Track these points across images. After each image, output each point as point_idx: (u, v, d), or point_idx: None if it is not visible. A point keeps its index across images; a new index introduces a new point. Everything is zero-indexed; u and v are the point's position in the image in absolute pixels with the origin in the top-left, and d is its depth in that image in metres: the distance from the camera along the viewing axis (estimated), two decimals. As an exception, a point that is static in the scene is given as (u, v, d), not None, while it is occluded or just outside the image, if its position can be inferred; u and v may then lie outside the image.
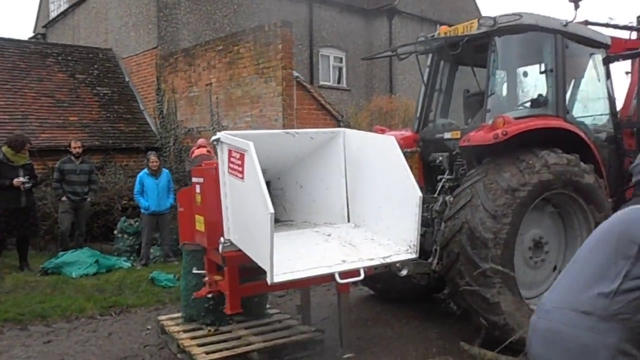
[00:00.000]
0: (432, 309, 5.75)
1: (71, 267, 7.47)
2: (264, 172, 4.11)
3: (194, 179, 4.38)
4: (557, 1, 5.21)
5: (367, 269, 3.27)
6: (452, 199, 4.78)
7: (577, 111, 5.77)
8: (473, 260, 4.20)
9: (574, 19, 5.07)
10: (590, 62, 5.65)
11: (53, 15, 18.62)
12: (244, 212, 3.18)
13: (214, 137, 3.42)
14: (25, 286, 6.88)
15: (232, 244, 3.44)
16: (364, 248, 3.27)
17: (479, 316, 4.27)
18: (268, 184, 4.31)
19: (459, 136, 5.09)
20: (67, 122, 11.64)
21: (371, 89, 17.86)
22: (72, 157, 8.46)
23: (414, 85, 5.58)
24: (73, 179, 8.35)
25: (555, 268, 4.90)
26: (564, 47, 5.02)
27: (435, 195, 5.38)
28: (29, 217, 7.64)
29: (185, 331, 4.68)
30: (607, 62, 5.66)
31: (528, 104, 5.29)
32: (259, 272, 3.21)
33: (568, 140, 4.81)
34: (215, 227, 3.78)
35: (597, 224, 4.64)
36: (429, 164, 5.66)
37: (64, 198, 8.28)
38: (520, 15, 4.84)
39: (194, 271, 4.62)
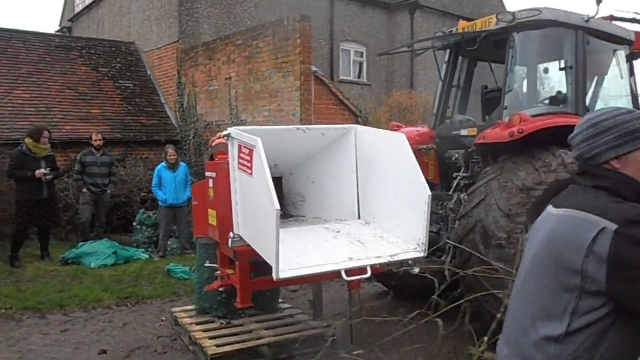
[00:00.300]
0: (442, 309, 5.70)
1: (90, 258, 7.61)
2: (275, 167, 4.13)
3: (207, 173, 4.42)
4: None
5: (375, 267, 3.25)
6: (466, 196, 4.73)
7: (598, 109, 5.64)
8: (486, 259, 4.15)
9: (596, 14, 4.95)
10: (614, 59, 5.52)
11: (78, 9, 18.89)
12: (252, 208, 3.20)
13: (224, 132, 3.44)
14: (46, 275, 7.04)
15: (241, 238, 3.46)
16: (372, 245, 3.26)
17: (492, 316, 4.22)
18: (280, 179, 4.33)
19: (475, 133, 5.03)
20: (89, 114, 11.83)
21: (392, 84, 17.73)
22: (93, 150, 8.60)
23: (435, 80, 5.53)
24: (94, 171, 8.49)
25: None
26: (584, 43, 4.91)
27: (450, 192, 5.34)
28: (50, 207, 7.79)
29: (197, 323, 4.74)
30: (630, 58, 5.52)
31: (547, 101, 5.19)
32: (270, 267, 3.22)
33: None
34: (227, 221, 3.80)
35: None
36: (444, 160, 5.61)
37: (84, 189, 8.43)
38: (539, 10, 4.75)
39: (206, 264, 4.67)
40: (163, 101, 13.28)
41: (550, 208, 1.62)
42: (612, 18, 5.84)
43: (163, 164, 8.35)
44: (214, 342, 4.32)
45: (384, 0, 18.07)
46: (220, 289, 4.43)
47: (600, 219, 1.38)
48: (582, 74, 4.90)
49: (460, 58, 5.85)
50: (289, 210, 4.23)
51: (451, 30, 5.52)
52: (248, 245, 3.42)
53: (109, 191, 8.70)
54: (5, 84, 11.42)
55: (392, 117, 12.01)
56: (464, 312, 4.04)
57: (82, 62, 13.11)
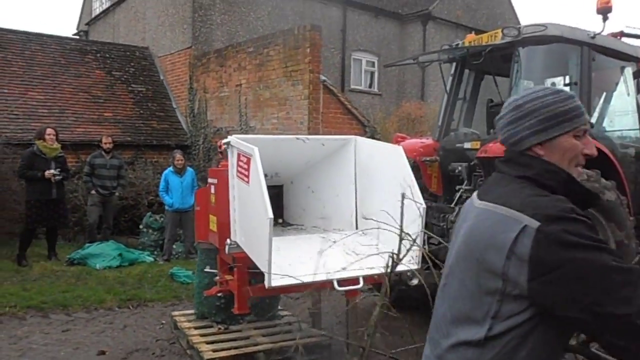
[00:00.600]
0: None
1: (96, 259, 7.70)
2: (276, 175, 4.18)
3: (210, 180, 4.48)
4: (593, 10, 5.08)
5: (373, 277, 3.27)
6: (467, 210, 4.73)
7: (606, 125, 5.63)
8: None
9: (602, 30, 4.95)
10: (621, 76, 5.50)
11: (95, 13, 19.21)
12: (248, 215, 3.24)
13: (225, 140, 3.49)
14: (51, 275, 7.14)
15: (238, 245, 3.50)
16: (367, 256, 3.27)
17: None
18: (281, 187, 4.38)
19: (478, 146, 5.03)
20: (101, 117, 11.99)
21: (403, 94, 17.76)
22: (103, 152, 8.71)
23: (444, 92, 5.56)
24: (103, 174, 8.60)
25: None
26: (590, 59, 4.90)
27: (452, 205, 5.34)
28: (59, 208, 7.89)
29: (196, 328, 4.78)
30: (638, 75, 5.50)
31: (551, 117, 5.18)
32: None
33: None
34: (226, 227, 3.85)
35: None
36: (448, 173, 5.61)
37: (93, 191, 8.54)
38: (545, 26, 4.76)
39: (206, 270, 4.71)
40: (174, 106, 13.43)
41: (474, 197, 1.50)
42: (622, 35, 5.83)
43: (170, 168, 8.44)
44: (211, 347, 4.35)
45: (397, 11, 18.14)
46: (219, 294, 4.47)
47: (522, 215, 1.27)
48: (587, 90, 4.89)
49: (466, 71, 5.87)
50: (289, 219, 4.27)
51: (457, 44, 5.55)
52: (244, 252, 3.46)
53: (117, 194, 8.81)
54: (21, 85, 11.64)
55: (401, 128, 12.03)
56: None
57: (96, 65, 13.31)
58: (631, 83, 5.44)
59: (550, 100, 1.41)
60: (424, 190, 4.82)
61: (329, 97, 9.82)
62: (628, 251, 4.66)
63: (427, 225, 4.76)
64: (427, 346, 1.51)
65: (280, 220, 4.28)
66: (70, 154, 9.77)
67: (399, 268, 3.26)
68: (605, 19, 4.86)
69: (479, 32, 5.75)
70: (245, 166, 3.11)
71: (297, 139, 3.70)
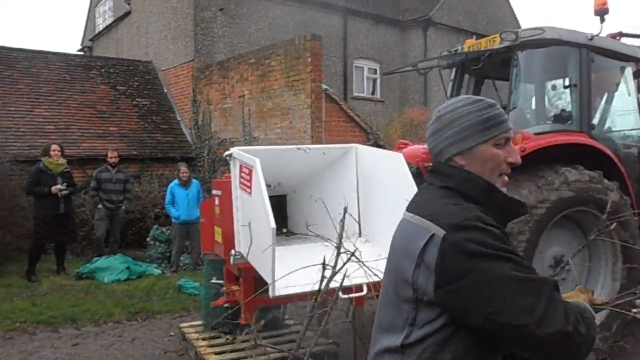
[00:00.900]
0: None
1: (104, 273, 7.75)
2: (279, 185, 4.21)
3: (214, 191, 4.52)
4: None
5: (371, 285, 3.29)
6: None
7: (607, 126, 5.63)
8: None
9: (600, 32, 4.97)
10: (621, 76, 5.51)
11: (99, 29, 19.42)
12: (251, 226, 3.27)
13: (226, 153, 3.53)
14: (60, 290, 7.20)
15: (242, 256, 3.53)
16: (370, 264, 3.30)
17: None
18: (285, 197, 4.41)
19: (480, 151, 5.06)
20: (107, 132, 12.11)
21: (405, 101, 17.80)
22: (109, 167, 8.79)
23: (446, 97, 5.59)
24: (109, 188, 8.67)
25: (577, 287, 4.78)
26: (589, 61, 4.93)
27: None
28: (67, 223, 7.98)
29: (204, 339, 4.80)
30: (638, 75, 5.51)
31: (551, 119, 5.21)
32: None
33: (594, 156, 4.71)
34: (231, 238, 3.88)
35: (621, 242, 4.57)
36: (450, 178, 5.63)
37: (100, 206, 8.61)
38: (542, 29, 4.79)
39: (212, 281, 4.74)
40: (179, 119, 13.53)
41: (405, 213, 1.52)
42: (621, 35, 5.85)
43: (176, 181, 8.50)
44: (219, 357, 4.38)
45: (397, 18, 18.22)
46: (226, 305, 4.49)
47: (432, 224, 1.28)
48: (586, 91, 4.91)
49: (466, 76, 5.90)
50: (293, 228, 4.30)
51: (457, 49, 5.59)
52: (249, 262, 3.49)
53: (123, 207, 8.88)
54: (27, 103, 11.78)
55: (405, 134, 12.05)
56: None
57: (101, 80, 13.46)
58: (632, 83, 5.46)
59: (468, 109, 1.41)
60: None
61: (331, 105, 9.88)
62: (632, 251, 4.66)
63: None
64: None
65: (284, 230, 4.32)
66: (77, 169, 9.87)
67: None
68: (602, 20, 4.88)
69: (479, 36, 5.77)
70: (248, 177, 3.15)
71: (298, 148, 3.74)
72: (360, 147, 3.88)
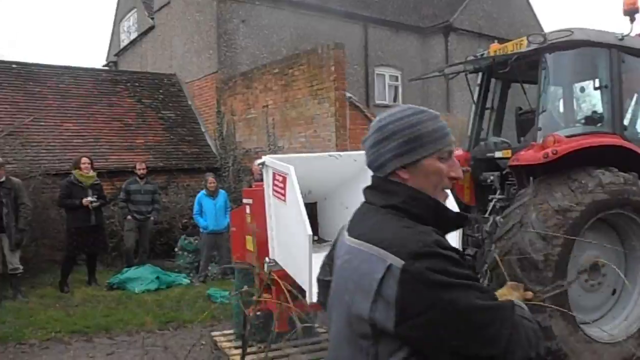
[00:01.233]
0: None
1: (134, 283, 7.86)
2: (309, 192, 4.23)
3: (245, 200, 4.57)
4: (618, 13, 5.06)
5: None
6: (502, 219, 4.70)
7: (639, 127, 5.53)
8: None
9: (630, 31, 4.90)
10: (652, 76, 5.41)
11: (124, 44, 19.82)
12: (286, 233, 3.29)
13: (259, 161, 3.57)
14: (92, 300, 7.32)
15: (276, 263, 3.55)
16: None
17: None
18: (315, 204, 4.43)
19: (509, 155, 5.01)
20: (133, 144, 12.32)
21: (428, 107, 17.61)
22: (137, 178, 8.94)
23: (470, 102, 5.53)
24: (138, 199, 8.81)
25: (614, 292, 4.69)
26: (619, 61, 4.86)
27: (487, 215, 5.30)
28: (99, 235, 8.13)
29: (236, 347, 4.83)
30: (669, 74, 5.40)
31: (582, 121, 5.14)
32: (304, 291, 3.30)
33: (627, 158, 4.63)
34: (264, 246, 3.91)
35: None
36: (480, 183, 5.58)
37: (129, 217, 8.75)
38: (571, 31, 4.74)
39: (245, 289, 4.77)
40: (203, 130, 13.70)
41: (344, 231, 1.41)
42: (649, 34, 5.75)
43: (203, 191, 8.60)
44: (252, 366, 4.39)
45: (418, 25, 18.20)
46: (258, 313, 4.51)
47: (387, 253, 1.18)
48: (618, 92, 4.84)
49: (493, 80, 5.87)
50: (323, 235, 4.31)
51: (482, 54, 5.56)
52: (283, 269, 3.51)
53: (152, 218, 9.00)
54: (57, 117, 12.07)
55: (429, 140, 11.98)
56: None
57: (127, 94, 13.72)
58: (663, 83, 5.36)
59: (413, 120, 1.33)
60: (456, 201, 4.82)
61: (355, 113, 9.90)
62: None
63: (462, 237, 4.74)
64: None
65: (315, 237, 4.33)
66: (106, 181, 10.03)
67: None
68: (632, 20, 4.81)
69: (501, 40, 5.74)
70: (282, 185, 3.18)
71: (330, 155, 3.76)
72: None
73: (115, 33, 21.26)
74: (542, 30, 15.09)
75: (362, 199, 1.43)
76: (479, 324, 1.15)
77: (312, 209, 4.37)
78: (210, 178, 8.67)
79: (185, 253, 9.18)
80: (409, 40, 17.92)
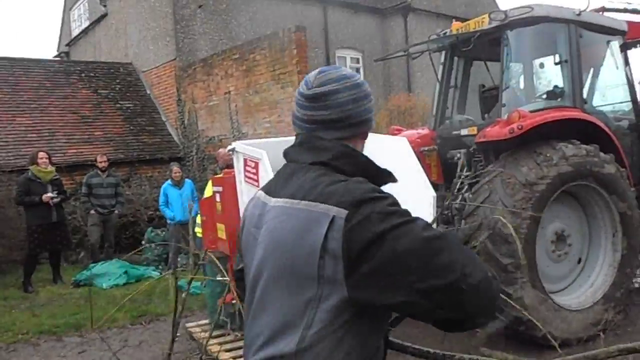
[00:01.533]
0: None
1: (102, 279, 7.67)
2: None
3: (214, 188, 4.48)
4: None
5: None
6: (470, 195, 4.78)
7: (597, 100, 5.70)
8: (494, 256, 4.19)
9: (587, 7, 5.02)
10: (608, 50, 5.57)
11: (75, 33, 19.09)
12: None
13: (229, 147, 3.50)
14: (59, 298, 7.11)
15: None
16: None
17: (500, 311, 4.26)
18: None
19: (475, 132, 5.08)
20: (92, 137, 11.95)
21: (390, 88, 17.81)
22: (99, 171, 8.68)
23: (432, 82, 5.56)
24: (100, 193, 8.57)
25: (579, 260, 4.85)
26: (578, 36, 4.97)
27: (455, 192, 5.38)
28: (61, 231, 7.87)
29: (212, 337, 4.78)
30: (624, 48, 5.58)
31: (544, 96, 5.25)
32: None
33: (587, 130, 4.77)
34: (236, 234, 3.86)
35: (620, 214, 4.64)
36: (447, 161, 5.65)
37: (92, 211, 8.51)
38: (531, 7, 4.81)
39: (218, 278, 4.71)
40: (164, 119, 13.40)
41: (264, 196, 1.36)
42: (603, 9, 5.91)
43: (169, 181, 8.43)
44: (230, 354, 4.37)
45: (376, 6, 18.19)
46: (234, 301, 4.47)
47: (328, 206, 1.15)
48: (577, 67, 4.96)
49: (456, 59, 5.92)
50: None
51: (445, 32, 5.59)
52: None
53: (116, 212, 8.77)
54: (8, 112, 11.57)
55: (392, 121, 12.07)
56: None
57: (82, 85, 13.26)
58: (619, 56, 5.52)
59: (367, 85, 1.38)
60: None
61: (319, 96, 9.84)
62: (631, 221, 4.74)
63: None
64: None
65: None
66: (65, 176, 9.70)
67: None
68: (589, -5, 4.92)
69: (459, 19, 5.78)
70: (254, 170, 3.13)
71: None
72: (361, 134, 3.87)
73: (65, 22, 20.44)
74: (498, 9, 15.30)
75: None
76: (430, 253, 1.10)
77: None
78: (175, 168, 8.50)
79: (153, 245, 9.00)
80: (368, 21, 17.89)
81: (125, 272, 7.86)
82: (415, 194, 3.23)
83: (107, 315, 5.17)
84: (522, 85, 5.51)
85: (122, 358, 4.96)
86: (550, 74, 5.42)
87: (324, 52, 16.65)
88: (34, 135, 11.35)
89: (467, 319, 1.14)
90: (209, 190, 5.25)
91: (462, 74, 6.01)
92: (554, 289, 4.62)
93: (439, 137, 5.73)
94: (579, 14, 4.96)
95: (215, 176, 4.79)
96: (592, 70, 5.72)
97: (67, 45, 19.78)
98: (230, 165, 6.34)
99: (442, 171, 5.74)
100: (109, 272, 7.83)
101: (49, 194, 7.56)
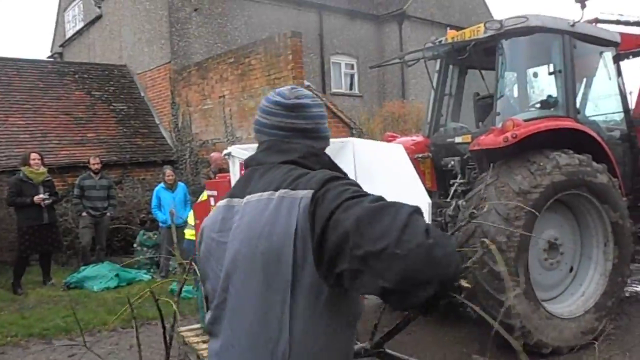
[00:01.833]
0: (449, 314, 5.74)
1: (93, 281, 7.61)
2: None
3: (208, 192, 4.48)
4: (567, 1, 5.22)
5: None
6: (464, 202, 4.80)
7: (590, 110, 5.76)
8: (487, 264, 4.20)
9: (581, 18, 5.07)
10: (601, 61, 5.64)
11: (69, 34, 19.01)
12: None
13: (225, 151, 3.50)
14: (49, 301, 7.04)
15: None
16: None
17: (495, 320, 4.27)
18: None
19: (469, 140, 5.11)
20: (85, 138, 11.88)
21: (384, 95, 17.89)
22: (91, 173, 8.63)
23: (426, 89, 5.61)
24: (93, 195, 8.51)
25: (571, 269, 4.88)
26: (572, 47, 5.03)
27: (448, 199, 5.41)
28: (52, 233, 7.81)
29: (204, 342, 4.75)
30: (617, 59, 5.64)
31: (538, 105, 5.29)
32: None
33: (580, 140, 4.81)
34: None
35: (612, 224, 4.68)
36: (441, 168, 5.68)
37: (84, 213, 8.45)
38: (526, 17, 4.86)
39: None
40: (157, 122, 13.35)
41: (233, 200, 1.41)
42: (597, 21, 5.97)
43: (162, 184, 8.40)
44: (222, 359, 4.34)
45: (372, 12, 18.29)
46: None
47: (297, 191, 1.24)
48: (571, 77, 5.01)
49: (450, 67, 5.96)
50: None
51: (441, 40, 5.63)
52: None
53: (108, 214, 8.72)
54: (0, 112, 11.48)
55: (386, 127, 12.12)
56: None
57: (75, 87, 13.19)
58: (611, 67, 5.59)
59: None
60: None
61: (313, 102, 9.86)
62: (623, 231, 4.78)
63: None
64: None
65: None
66: (57, 177, 9.63)
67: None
68: (583, 6, 4.97)
69: (454, 28, 5.83)
70: (250, 175, 3.12)
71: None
72: (357, 140, 3.89)
73: (59, 23, 20.36)
74: (492, 18, 15.40)
75: None
76: (369, 223, 1.09)
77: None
78: (168, 171, 8.47)
79: (145, 249, 8.96)
80: (363, 28, 17.99)
81: (117, 275, 7.81)
82: (410, 200, 3.24)
83: (114, 319, 5.12)
84: (516, 94, 5.55)
85: (113, 362, 4.93)
86: (544, 83, 5.47)
87: (318, 57, 16.71)
88: (27, 136, 11.27)
89: (409, 289, 1.07)
90: (205, 196, 5.24)
91: (456, 82, 6.05)
92: (546, 297, 4.64)
93: (433, 144, 5.76)
94: (573, 25, 5.01)
95: (209, 180, 4.78)
96: (585, 81, 5.79)
97: (61, 46, 19.70)
98: (223, 169, 6.38)
99: (436, 178, 5.77)
100: (100, 275, 7.77)
101: (41, 196, 7.50)
